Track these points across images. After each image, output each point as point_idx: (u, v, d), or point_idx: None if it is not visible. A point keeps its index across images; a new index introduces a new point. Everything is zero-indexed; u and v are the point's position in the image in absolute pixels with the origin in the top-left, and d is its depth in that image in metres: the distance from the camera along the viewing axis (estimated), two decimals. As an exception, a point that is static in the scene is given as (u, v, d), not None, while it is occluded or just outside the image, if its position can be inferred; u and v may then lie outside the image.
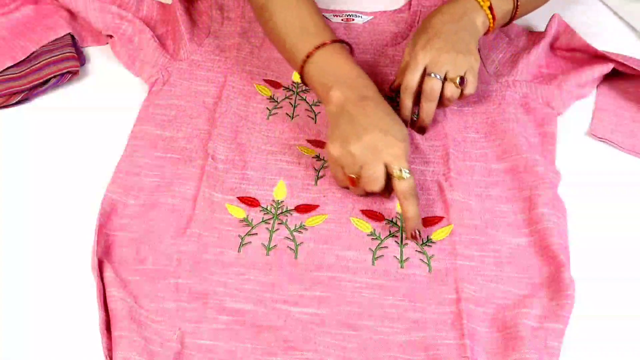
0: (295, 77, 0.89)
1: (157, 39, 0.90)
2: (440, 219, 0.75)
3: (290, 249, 0.72)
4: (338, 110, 0.75)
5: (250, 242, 0.72)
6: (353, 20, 0.97)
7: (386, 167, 0.72)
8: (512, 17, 0.84)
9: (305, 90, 0.87)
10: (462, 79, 0.78)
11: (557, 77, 0.87)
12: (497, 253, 0.72)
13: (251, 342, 0.65)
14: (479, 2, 0.81)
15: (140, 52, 0.89)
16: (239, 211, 0.75)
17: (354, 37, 0.96)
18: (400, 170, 0.71)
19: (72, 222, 0.73)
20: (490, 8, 0.81)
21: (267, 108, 0.85)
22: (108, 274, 0.67)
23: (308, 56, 0.78)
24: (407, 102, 0.80)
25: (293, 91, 0.88)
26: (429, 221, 0.75)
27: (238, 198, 0.76)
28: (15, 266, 0.71)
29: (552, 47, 0.92)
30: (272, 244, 0.72)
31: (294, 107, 0.86)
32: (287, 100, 0.87)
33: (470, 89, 0.78)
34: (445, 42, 0.78)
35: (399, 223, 0.74)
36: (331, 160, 0.75)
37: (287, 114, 0.85)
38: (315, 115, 0.85)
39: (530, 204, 0.75)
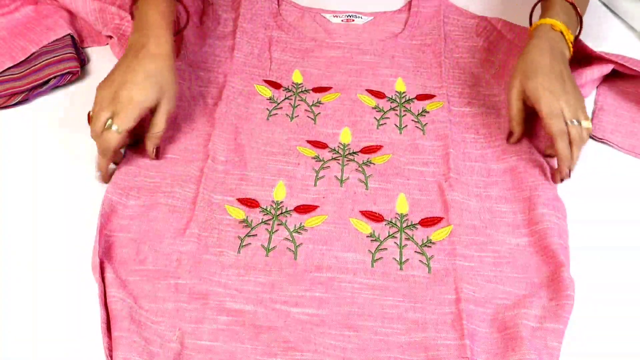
0: (295, 77, 0.90)
1: None
2: (440, 219, 0.75)
3: (290, 250, 0.72)
4: (122, 57, 0.78)
5: (249, 244, 0.72)
6: (353, 20, 0.97)
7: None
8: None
9: (305, 90, 0.88)
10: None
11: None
12: (496, 253, 0.72)
13: (251, 343, 0.65)
14: (564, 35, 0.82)
15: None
16: (239, 212, 0.75)
17: (354, 37, 0.96)
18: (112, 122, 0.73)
19: (72, 223, 0.73)
20: (571, 42, 0.82)
21: (267, 109, 0.86)
22: (108, 274, 0.67)
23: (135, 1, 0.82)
24: (567, 150, 0.76)
25: (293, 92, 0.88)
26: (429, 222, 0.75)
27: (237, 200, 0.76)
28: (16, 266, 0.71)
29: None
30: (271, 245, 0.72)
31: (294, 107, 0.86)
32: (287, 100, 0.87)
33: (589, 124, 0.78)
34: (563, 84, 0.78)
35: (398, 224, 0.74)
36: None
37: (286, 114, 0.85)
38: (315, 116, 0.85)
39: (530, 204, 0.75)
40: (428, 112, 0.86)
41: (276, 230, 0.74)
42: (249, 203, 0.76)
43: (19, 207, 0.76)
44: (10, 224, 0.74)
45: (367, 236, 0.74)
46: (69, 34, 0.89)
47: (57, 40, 0.88)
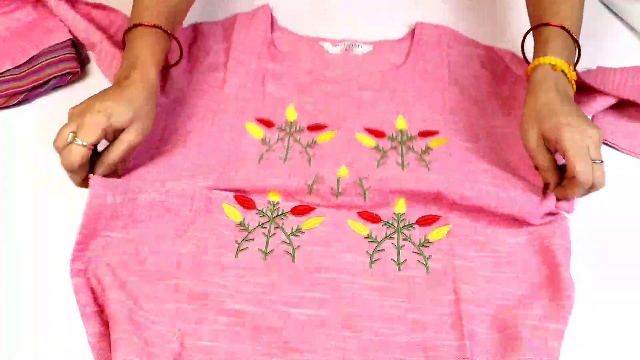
0: (289, 113, 0.85)
1: None
2: (437, 218, 0.75)
3: (288, 252, 0.72)
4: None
5: (247, 248, 0.72)
6: (352, 50, 0.92)
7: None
8: None
9: (299, 129, 0.83)
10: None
11: None
12: (496, 253, 0.72)
13: (251, 343, 0.65)
14: (565, 74, 0.76)
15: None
16: (236, 214, 0.74)
17: (353, 69, 0.91)
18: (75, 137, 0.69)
19: (72, 223, 0.73)
20: (574, 80, 0.78)
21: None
22: (106, 276, 0.67)
23: (129, 28, 0.78)
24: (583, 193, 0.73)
25: (286, 131, 0.82)
26: (426, 220, 0.74)
27: (235, 197, 0.75)
28: (15, 267, 0.71)
29: None
30: (269, 249, 0.72)
31: (287, 149, 0.81)
32: (280, 142, 0.81)
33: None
34: (580, 118, 0.72)
35: (395, 224, 0.74)
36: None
37: (279, 157, 0.80)
38: (310, 158, 0.80)
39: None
40: (432, 149, 0.81)
41: (273, 234, 0.73)
42: (246, 203, 0.75)
43: (19, 207, 0.76)
44: (11, 224, 0.74)
45: (365, 237, 0.73)
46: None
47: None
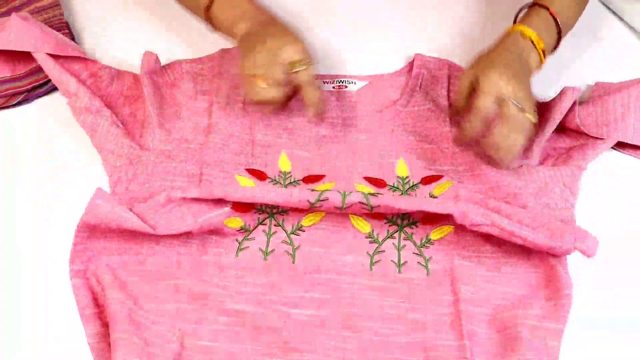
0: (282, 163, 0.78)
1: (120, 124, 0.79)
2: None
3: (288, 253, 0.72)
4: (245, 38, 0.78)
5: (247, 247, 0.72)
6: (346, 87, 0.85)
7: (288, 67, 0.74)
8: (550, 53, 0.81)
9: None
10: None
11: (573, 157, 0.78)
12: (495, 254, 0.72)
13: (251, 343, 0.66)
14: (533, 43, 0.77)
15: (95, 135, 0.78)
16: (236, 222, 0.73)
17: (347, 108, 0.83)
18: (300, 62, 0.74)
19: (72, 223, 0.73)
20: (543, 51, 0.78)
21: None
22: (106, 276, 0.67)
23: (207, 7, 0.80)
24: (478, 123, 0.73)
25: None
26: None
27: (232, 207, 0.72)
28: (15, 267, 0.71)
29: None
30: (269, 249, 0.72)
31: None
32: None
33: (534, 119, 0.73)
34: (517, 76, 0.73)
35: (398, 221, 0.74)
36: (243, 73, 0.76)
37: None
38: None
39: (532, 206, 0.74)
40: (436, 196, 0.75)
41: (274, 233, 0.73)
42: (243, 209, 0.73)
43: (19, 207, 0.76)
44: (11, 224, 0.75)
45: (366, 237, 0.73)
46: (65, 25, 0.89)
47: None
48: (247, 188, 0.72)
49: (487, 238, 0.72)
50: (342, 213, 0.73)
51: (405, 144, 0.80)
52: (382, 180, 0.77)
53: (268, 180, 0.77)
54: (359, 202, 0.70)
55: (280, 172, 0.78)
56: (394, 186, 0.77)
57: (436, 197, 0.75)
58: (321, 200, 0.71)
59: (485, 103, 0.72)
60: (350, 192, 0.71)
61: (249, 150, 0.79)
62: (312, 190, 0.72)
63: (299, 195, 0.70)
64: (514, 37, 0.78)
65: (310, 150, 0.80)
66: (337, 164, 0.79)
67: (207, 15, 0.82)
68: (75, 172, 0.79)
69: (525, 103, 0.72)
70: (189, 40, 0.91)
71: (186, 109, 0.82)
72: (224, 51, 0.87)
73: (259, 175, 0.77)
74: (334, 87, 0.85)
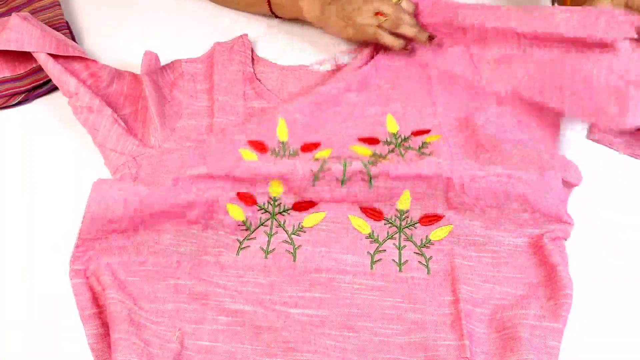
0: (280, 131, 0.80)
1: (122, 122, 0.80)
2: (440, 217, 0.74)
3: (289, 252, 0.72)
4: (322, 8, 0.86)
5: (248, 246, 0.72)
6: (343, 62, 0.88)
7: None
8: None
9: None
10: None
11: None
12: (495, 254, 0.72)
13: (251, 343, 0.66)
14: None
15: (96, 134, 0.79)
16: (239, 212, 0.74)
17: (348, 81, 0.84)
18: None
19: (72, 223, 0.73)
20: None
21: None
22: (106, 276, 0.67)
23: None
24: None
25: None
26: (429, 218, 0.74)
27: (237, 195, 0.74)
28: (15, 267, 0.71)
29: None
30: (270, 248, 0.72)
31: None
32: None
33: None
34: None
35: (397, 223, 0.74)
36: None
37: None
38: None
39: (534, 206, 0.73)
40: (429, 143, 0.77)
41: (275, 233, 0.74)
42: (247, 199, 0.75)
43: (18, 207, 0.76)
44: (9, 224, 0.75)
45: (366, 237, 0.73)
46: (66, 24, 0.89)
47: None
48: (252, 162, 0.74)
49: (487, 239, 0.72)
50: (341, 213, 0.74)
51: (391, 99, 0.84)
52: (375, 137, 0.80)
53: (269, 152, 0.78)
54: (359, 172, 0.73)
55: (279, 142, 0.79)
56: (387, 141, 0.79)
57: (429, 143, 0.78)
58: (324, 171, 0.73)
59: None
60: (351, 163, 0.73)
61: (248, 122, 0.81)
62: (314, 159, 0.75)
63: (302, 167, 0.73)
64: None
65: (306, 115, 0.81)
66: (331, 128, 0.81)
67: (271, 4, 0.91)
68: (75, 172, 0.79)
69: None
70: (189, 40, 0.92)
71: (187, 108, 0.83)
72: (218, 45, 0.89)
73: (261, 146, 0.78)
74: (331, 66, 0.89)
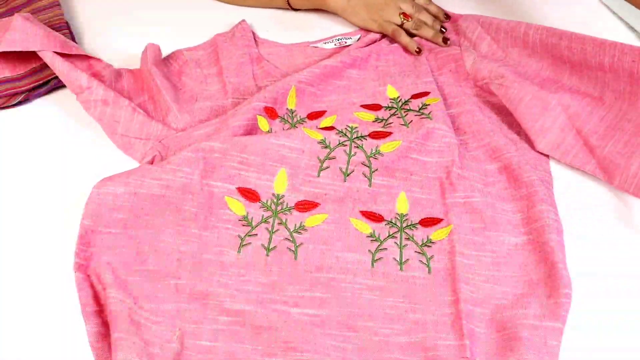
0: (290, 100, 0.85)
1: (141, 110, 0.82)
2: (439, 220, 0.75)
3: (290, 250, 0.72)
4: None
5: (250, 243, 0.73)
6: (346, 42, 0.94)
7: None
8: None
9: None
10: None
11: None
12: (494, 253, 0.72)
13: (251, 343, 0.66)
14: None
15: (117, 125, 0.81)
16: (239, 206, 0.75)
17: (344, 54, 0.90)
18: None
19: (72, 223, 0.73)
20: None
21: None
22: (107, 275, 0.67)
23: None
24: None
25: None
26: (428, 222, 0.75)
27: (238, 189, 0.76)
28: (16, 267, 0.71)
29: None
30: (272, 245, 0.72)
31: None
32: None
33: None
34: None
35: (398, 224, 0.75)
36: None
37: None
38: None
39: (529, 202, 0.74)
40: (429, 104, 0.83)
41: (277, 230, 0.74)
42: (250, 195, 0.75)
43: (18, 208, 0.76)
44: (10, 224, 0.75)
45: (367, 236, 0.74)
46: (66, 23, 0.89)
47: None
48: (264, 138, 0.77)
49: (487, 239, 0.72)
50: (343, 215, 0.75)
51: (390, 74, 0.90)
52: (378, 104, 0.86)
53: (278, 119, 0.83)
54: (362, 163, 0.77)
55: (287, 109, 0.84)
56: (388, 106, 0.85)
57: (429, 105, 0.83)
58: (329, 159, 0.77)
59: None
60: (354, 154, 0.78)
61: (262, 92, 0.84)
62: (318, 128, 0.81)
63: (310, 150, 0.77)
64: None
65: (312, 85, 0.86)
66: (335, 97, 0.87)
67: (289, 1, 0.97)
68: (75, 172, 0.79)
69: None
70: (189, 37, 0.93)
71: (200, 93, 0.86)
72: (218, 35, 0.93)
73: (272, 113, 0.83)
74: (335, 45, 0.94)
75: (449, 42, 0.91)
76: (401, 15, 0.92)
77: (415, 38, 0.93)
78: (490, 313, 0.68)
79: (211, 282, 0.69)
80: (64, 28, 0.90)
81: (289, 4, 0.96)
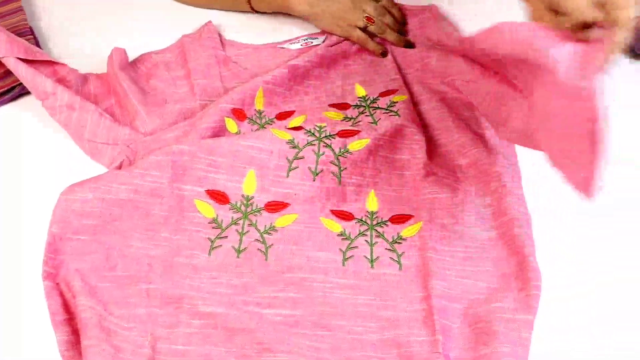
0: (258, 100, 0.85)
1: (107, 115, 0.81)
2: (410, 217, 0.75)
3: (261, 251, 0.72)
4: (311, 2, 0.91)
5: (220, 245, 0.72)
6: (312, 43, 0.93)
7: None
8: None
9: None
10: None
11: None
12: (467, 248, 0.72)
13: (225, 346, 0.66)
14: None
15: (83, 130, 0.80)
16: (209, 209, 0.74)
17: (319, 57, 0.90)
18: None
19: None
20: None
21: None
22: (76, 282, 0.67)
23: None
24: None
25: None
26: (399, 219, 0.75)
27: (207, 192, 0.75)
28: (16, 266, 0.71)
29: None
30: (242, 247, 0.72)
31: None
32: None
33: None
34: None
35: (368, 222, 0.75)
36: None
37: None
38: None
39: (498, 196, 0.74)
40: (396, 102, 0.83)
41: (247, 232, 0.73)
42: (219, 198, 0.75)
43: (17, 207, 0.75)
44: (7, 223, 0.74)
45: (338, 235, 0.74)
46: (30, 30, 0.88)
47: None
48: (233, 140, 0.76)
49: (458, 234, 0.73)
50: (313, 215, 0.75)
51: (359, 73, 0.90)
52: (346, 103, 0.86)
53: (247, 120, 0.83)
54: (330, 162, 0.77)
55: (256, 110, 0.83)
56: (356, 105, 0.85)
57: (397, 102, 0.83)
58: (298, 159, 0.77)
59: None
60: (323, 153, 0.78)
61: (232, 90, 0.84)
62: (287, 128, 0.80)
63: (279, 151, 0.77)
64: None
65: (280, 86, 0.86)
66: (304, 97, 0.87)
67: (251, 4, 0.94)
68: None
69: None
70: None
71: (170, 95, 0.85)
72: (185, 37, 0.92)
73: (240, 114, 0.82)
74: (302, 45, 0.93)
75: (413, 45, 0.91)
76: (365, 19, 0.90)
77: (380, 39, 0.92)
78: (465, 308, 0.68)
79: (183, 285, 0.69)
80: (28, 33, 0.89)
81: (251, 7, 0.95)
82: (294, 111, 0.85)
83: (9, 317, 0.68)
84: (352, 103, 0.85)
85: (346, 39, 0.92)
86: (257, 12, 0.95)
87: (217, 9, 0.97)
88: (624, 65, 0.89)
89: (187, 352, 0.65)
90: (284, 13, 0.95)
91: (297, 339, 0.66)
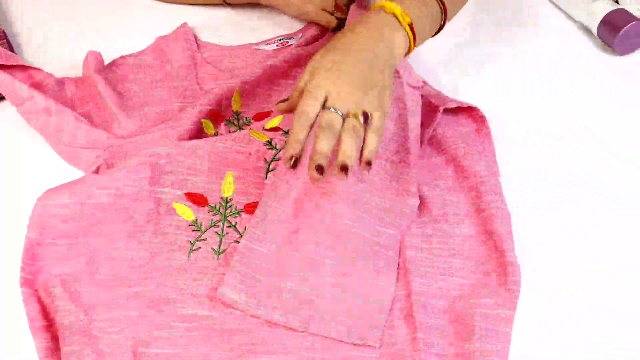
0: (235, 101, 0.85)
1: (84, 119, 0.80)
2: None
3: None
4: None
5: (200, 248, 0.72)
6: (288, 42, 0.93)
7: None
8: (435, 33, 0.78)
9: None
10: (365, 115, 0.64)
11: None
12: (447, 245, 0.72)
13: (208, 348, 0.65)
14: (397, 18, 0.70)
15: (61, 135, 0.79)
16: (188, 212, 0.74)
17: (295, 56, 0.89)
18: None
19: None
20: (411, 26, 0.70)
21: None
22: (56, 288, 0.66)
23: None
24: (302, 132, 0.63)
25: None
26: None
27: (185, 195, 0.75)
28: (12, 267, 0.69)
29: None
30: (222, 248, 0.72)
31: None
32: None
33: (375, 126, 0.64)
34: (354, 74, 0.65)
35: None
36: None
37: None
38: None
39: (477, 192, 0.75)
40: None
41: (226, 234, 0.73)
42: (198, 200, 0.75)
43: (16, 208, 0.75)
44: (5, 223, 0.74)
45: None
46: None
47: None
48: (211, 142, 0.76)
49: (438, 230, 0.73)
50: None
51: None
52: None
53: (224, 122, 0.83)
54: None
55: (233, 112, 0.83)
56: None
57: None
58: (276, 160, 0.77)
59: (301, 106, 0.63)
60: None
61: (209, 93, 0.84)
62: (264, 129, 0.79)
63: (257, 152, 0.77)
64: (373, 14, 0.69)
65: (257, 87, 0.86)
66: (281, 97, 0.85)
67: None
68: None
69: (366, 104, 0.64)
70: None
71: (148, 98, 0.85)
72: (161, 38, 0.92)
73: (217, 116, 0.83)
74: (277, 46, 0.93)
75: None
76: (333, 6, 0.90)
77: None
78: (447, 304, 0.68)
79: (165, 287, 0.69)
80: (1, 38, 0.88)
81: (224, 0, 0.94)
82: (272, 111, 0.84)
83: (9, 317, 0.67)
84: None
85: (322, 30, 0.93)
86: (229, 4, 0.95)
87: (190, 4, 0.97)
88: (624, 65, 0.90)
89: (170, 356, 0.65)
90: (261, 10, 0.95)
91: (284, 339, 0.66)
